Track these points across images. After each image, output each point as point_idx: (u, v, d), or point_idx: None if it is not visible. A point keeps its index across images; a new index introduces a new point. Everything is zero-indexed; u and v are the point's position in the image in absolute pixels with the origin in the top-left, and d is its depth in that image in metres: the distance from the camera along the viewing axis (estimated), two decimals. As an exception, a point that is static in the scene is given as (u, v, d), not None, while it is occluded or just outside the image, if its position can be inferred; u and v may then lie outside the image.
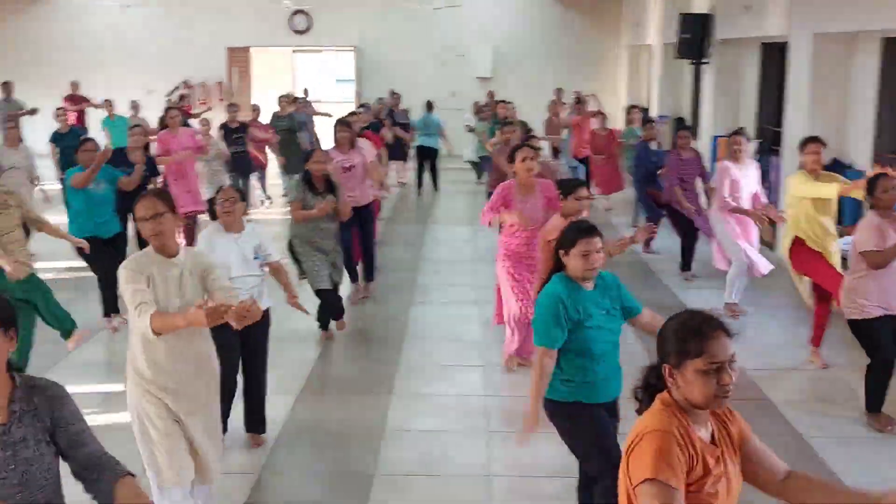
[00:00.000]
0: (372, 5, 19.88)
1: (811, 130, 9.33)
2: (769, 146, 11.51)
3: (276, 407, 5.70)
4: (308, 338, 7.25)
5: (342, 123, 8.31)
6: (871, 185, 5.43)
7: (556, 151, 17.23)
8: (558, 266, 3.89)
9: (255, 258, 5.12)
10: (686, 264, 9.31)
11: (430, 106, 15.25)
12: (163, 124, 10.65)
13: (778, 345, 7.14)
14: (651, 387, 2.42)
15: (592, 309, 3.81)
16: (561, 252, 3.85)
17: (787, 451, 5.24)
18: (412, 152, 15.32)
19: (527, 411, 3.89)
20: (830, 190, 6.33)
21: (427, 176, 15.06)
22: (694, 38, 12.85)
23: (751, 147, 7.89)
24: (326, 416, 5.79)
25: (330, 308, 7.18)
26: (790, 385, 6.40)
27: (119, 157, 8.25)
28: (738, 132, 7.82)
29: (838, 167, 9.41)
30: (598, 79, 20.24)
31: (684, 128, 10.07)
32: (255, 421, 5.31)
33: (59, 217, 7.68)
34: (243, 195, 5.21)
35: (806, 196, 6.44)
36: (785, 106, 10.07)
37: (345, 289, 7.78)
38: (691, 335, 2.29)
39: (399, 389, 6.23)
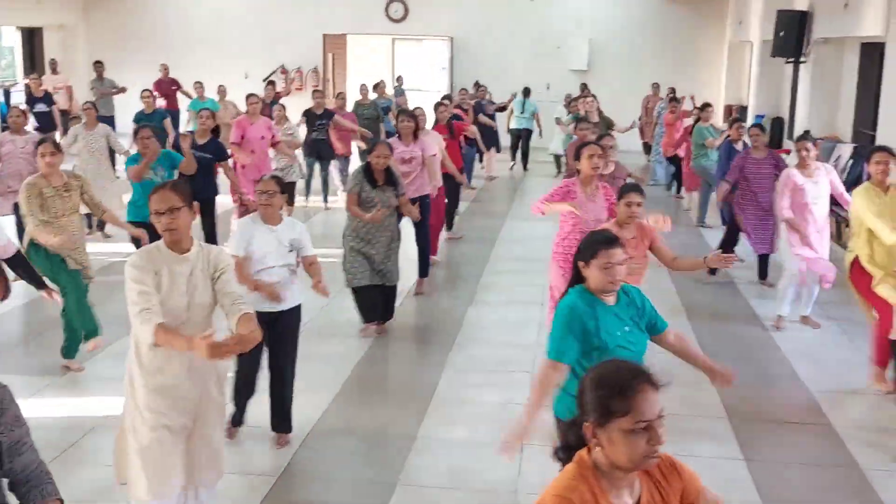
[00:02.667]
0: (468, -5, 19.76)
1: (904, 139, 8.82)
2: (866, 151, 10.92)
3: (311, 405, 5.70)
4: (356, 334, 7.23)
5: (405, 114, 8.30)
6: None
7: (647, 148, 16.92)
8: (578, 278, 3.69)
9: (291, 251, 5.10)
10: (762, 272, 8.89)
11: (527, 92, 16.23)
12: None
13: (847, 364, 6.76)
14: (571, 448, 2.21)
15: (613, 324, 3.60)
16: (580, 263, 3.64)
17: (843, 484, 5.00)
18: (506, 135, 16.06)
19: (518, 422, 3.67)
20: (887, 236, 5.79)
21: (519, 155, 16.25)
22: (790, 36, 12.29)
23: (815, 152, 7.37)
24: (359, 419, 5.74)
25: (365, 307, 7.14)
26: (855, 410, 6.05)
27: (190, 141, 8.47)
28: (804, 137, 7.41)
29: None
30: (699, 76, 19.59)
31: (746, 123, 9.29)
32: (280, 420, 5.28)
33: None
34: (283, 187, 5.15)
35: (864, 224, 5.99)
36: (879, 110, 9.52)
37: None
38: (614, 392, 2.08)
39: (440, 394, 6.13)
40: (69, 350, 6.35)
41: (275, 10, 20.29)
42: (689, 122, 12.49)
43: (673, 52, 19.61)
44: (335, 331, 7.30)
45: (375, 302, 7.15)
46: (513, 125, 16.08)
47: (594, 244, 3.59)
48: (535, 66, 19.70)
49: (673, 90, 16.20)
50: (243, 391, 5.20)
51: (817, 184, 7.23)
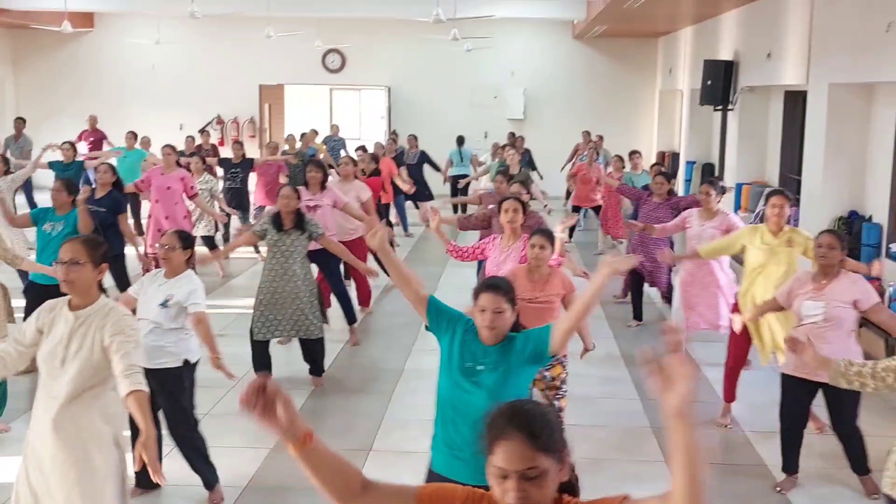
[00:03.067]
0: (404, 45, 19.96)
1: (826, 181, 9.12)
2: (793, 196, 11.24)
3: (242, 464, 5.57)
4: (297, 385, 7.08)
5: (312, 163, 8.37)
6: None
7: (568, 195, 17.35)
8: None
9: (162, 305, 4.81)
10: (636, 312, 9.09)
11: (461, 140, 16.53)
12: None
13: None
14: None
15: (473, 357, 3.58)
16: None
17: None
18: (447, 183, 16.08)
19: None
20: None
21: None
22: (717, 85, 12.66)
23: (719, 198, 7.60)
24: (296, 473, 5.60)
25: (257, 362, 6.97)
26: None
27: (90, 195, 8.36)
28: (709, 181, 7.68)
29: (856, 219, 9.14)
30: (632, 123, 20.08)
31: (660, 172, 9.47)
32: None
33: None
34: (186, 242, 4.98)
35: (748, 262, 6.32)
36: (803, 155, 9.83)
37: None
38: (489, 427, 2.02)
39: (379, 446, 6.05)
40: None
41: (210, 60, 20.25)
42: (611, 170, 12.62)
43: (606, 100, 20.08)
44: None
45: (267, 360, 6.99)
46: (451, 173, 16.17)
47: (478, 288, 3.70)
48: (472, 114, 19.99)
49: (600, 137, 16.43)
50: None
51: (704, 229, 7.42)
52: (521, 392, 3.61)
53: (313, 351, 7.14)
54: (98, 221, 7.63)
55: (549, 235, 5.47)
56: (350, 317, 8.43)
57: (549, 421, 2.03)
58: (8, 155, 13.77)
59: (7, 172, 10.21)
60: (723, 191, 7.74)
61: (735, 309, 6.43)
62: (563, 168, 16.80)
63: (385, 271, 5.63)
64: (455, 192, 16.03)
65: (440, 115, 19.64)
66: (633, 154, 11.98)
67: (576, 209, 13.35)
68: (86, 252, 3.56)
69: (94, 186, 8.53)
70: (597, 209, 13.10)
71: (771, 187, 11.94)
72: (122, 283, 8.34)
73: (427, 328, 3.83)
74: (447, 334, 3.69)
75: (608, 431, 6.40)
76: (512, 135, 17.63)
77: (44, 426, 3.54)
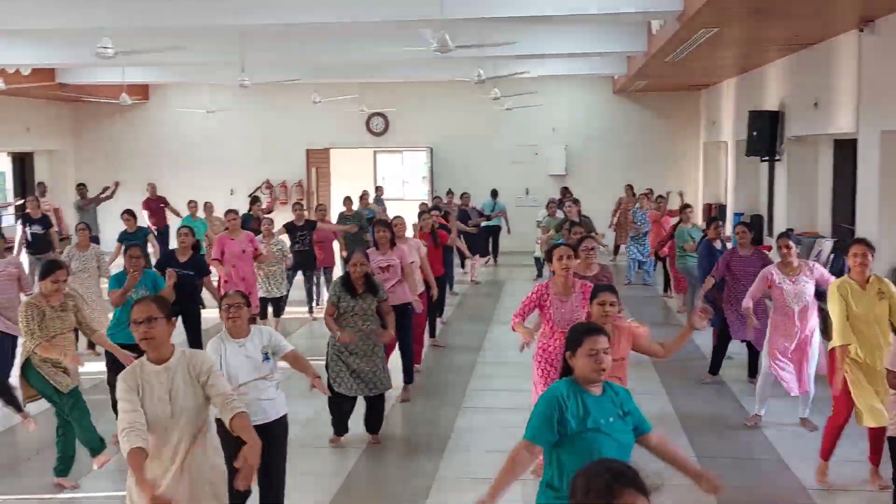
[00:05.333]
0: (446, 106, 20.25)
1: (882, 230, 8.93)
2: (845, 246, 11.03)
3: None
4: (350, 442, 7.11)
5: (381, 224, 8.41)
6: None
7: (617, 249, 17.61)
8: (566, 371, 3.71)
9: (265, 359, 5.03)
10: (752, 370, 8.78)
11: (494, 193, 17.87)
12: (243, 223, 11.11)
13: (842, 462, 6.60)
14: None
15: (598, 412, 3.56)
16: (567, 354, 3.67)
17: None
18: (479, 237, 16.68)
19: (479, 500, 3.55)
20: (837, 337, 5.92)
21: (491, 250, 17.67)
22: (763, 136, 12.58)
23: (795, 251, 7.39)
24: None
25: (336, 419, 7.07)
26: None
27: (172, 259, 8.71)
28: (785, 234, 7.45)
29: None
30: (676, 176, 20.01)
31: (723, 222, 9.39)
32: None
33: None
34: (248, 301, 5.17)
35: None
36: (856, 204, 9.67)
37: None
38: (599, 495, 2.05)
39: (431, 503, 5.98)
40: (62, 468, 6.33)
41: (258, 126, 20.76)
42: (674, 220, 12.62)
43: (648, 153, 20.10)
44: (322, 443, 7.14)
45: (346, 414, 7.08)
46: (484, 224, 16.71)
47: (579, 333, 3.66)
48: (513, 171, 20.14)
49: (650, 189, 16.53)
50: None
51: (796, 284, 7.13)
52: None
53: (378, 407, 7.15)
54: (183, 285, 8.08)
55: (615, 292, 5.40)
56: (409, 375, 8.45)
57: None
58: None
59: (92, 239, 10.48)
60: (798, 242, 7.57)
61: (832, 364, 6.16)
62: (610, 225, 17.20)
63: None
64: (486, 241, 16.95)
65: (481, 172, 19.78)
66: (686, 208, 11.84)
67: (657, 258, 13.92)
68: (158, 309, 3.82)
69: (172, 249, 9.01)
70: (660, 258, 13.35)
71: (823, 237, 11.75)
72: (196, 341, 8.67)
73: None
74: (564, 414, 3.56)
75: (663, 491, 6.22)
76: (565, 189, 17.98)
77: (172, 475, 3.80)
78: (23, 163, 20.00)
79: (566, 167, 20.37)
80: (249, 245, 10.11)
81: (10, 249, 9.10)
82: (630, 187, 17.18)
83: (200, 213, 14.55)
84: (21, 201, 15.91)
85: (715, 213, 14.99)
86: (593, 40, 13.23)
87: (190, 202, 14.71)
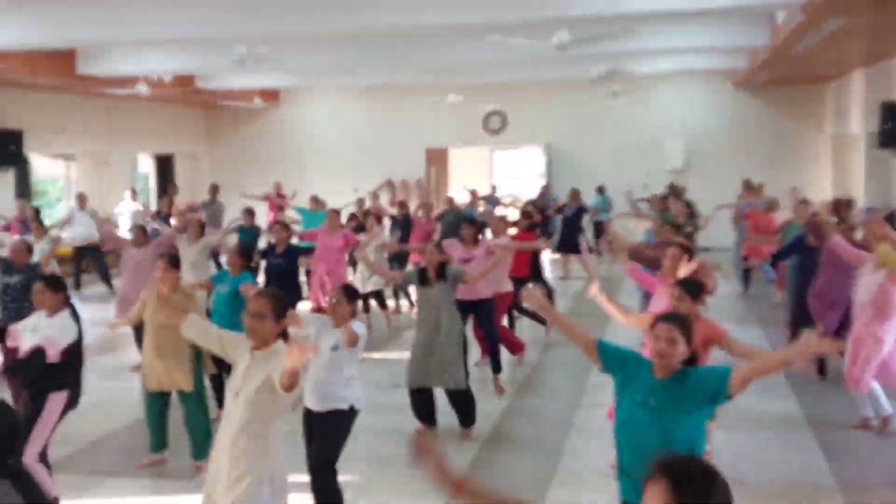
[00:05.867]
0: (562, 102, 20.31)
1: None
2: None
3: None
4: (454, 441, 7.08)
5: (466, 220, 8.94)
6: None
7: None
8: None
9: (334, 348, 5.16)
10: (819, 366, 8.62)
11: (601, 189, 18.64)
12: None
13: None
14: None
15: (642, 390, 3.67)
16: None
17: None
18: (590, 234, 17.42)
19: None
20: None
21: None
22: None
23: None
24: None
25: (417, 411, 7.23)
26: None
27: (272, 250, 9.46)
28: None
29: None
30: (800, 171, 19.41)
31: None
32: None
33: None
34: (351, 296, 5.30)
35: None
36: None
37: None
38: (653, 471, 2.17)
39: (552, 498, 6.05)
40: (199, 451, 6.41)
41: (381, 128, 21.41)
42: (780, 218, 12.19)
43: (771, 148, 19.58)
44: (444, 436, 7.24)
45: (428, 409, 7.24)
46: (594, 219, 17.69)
47: (659, 317, 3.80)
48: (631, 166, 19.92)
49: (760, 184, 15.89)
50: None
51: None
52: (698, 429, 3.62)
53: (459, 402, 7.22)
54: (279, 274, 8.86)
55: (678, 321, 5.33)
56: (496, 366, 8.54)
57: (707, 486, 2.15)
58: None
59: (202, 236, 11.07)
60: None
61: None
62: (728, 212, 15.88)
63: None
64: (598, 235, 17.29)
65: (599, 169, 19.73)
66: (803, 202, 11.45)
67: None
68: (270, 306, 4.03)
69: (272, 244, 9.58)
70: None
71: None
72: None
73: (602, 370, 3.94)
74: (620, 371, 3.85)
75: None
76: (672, 185, 17.31)
77: (220, 448, 4.04)
78: (164, 164, 21.28)
79: (685, 161, 20.05)
80: (342, 241, 10.44)
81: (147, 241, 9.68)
82: (747, 181, 16.67)
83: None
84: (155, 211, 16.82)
85: (843, 211, 14.44)
86: (714, 34, 13.01)
87: (311, 197, 15.30)
